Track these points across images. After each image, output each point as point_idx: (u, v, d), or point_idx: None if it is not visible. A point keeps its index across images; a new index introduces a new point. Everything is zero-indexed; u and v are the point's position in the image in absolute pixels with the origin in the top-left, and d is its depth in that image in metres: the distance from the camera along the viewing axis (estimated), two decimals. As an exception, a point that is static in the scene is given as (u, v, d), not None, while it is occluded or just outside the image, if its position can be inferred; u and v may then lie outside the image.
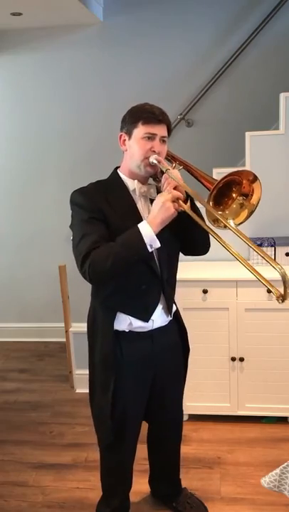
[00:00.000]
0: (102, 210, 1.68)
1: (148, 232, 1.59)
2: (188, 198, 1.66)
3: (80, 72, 3.71)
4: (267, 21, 3.33)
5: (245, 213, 1.64)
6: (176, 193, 1.60)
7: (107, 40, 3.61)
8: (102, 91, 3.69)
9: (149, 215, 1.63)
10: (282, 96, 2.90)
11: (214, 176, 2.97)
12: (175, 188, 1.63)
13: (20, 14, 3.32)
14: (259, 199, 1.62)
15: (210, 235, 1.64)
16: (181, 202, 1.60)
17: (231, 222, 1.63)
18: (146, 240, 1.59)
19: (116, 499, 2.05)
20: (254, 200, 1.63)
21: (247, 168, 2.97)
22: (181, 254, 1.90)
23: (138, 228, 1.60)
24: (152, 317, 1.80)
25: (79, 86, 3.74)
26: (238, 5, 3.43)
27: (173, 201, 1.60)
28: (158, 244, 1.62)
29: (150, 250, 1.62)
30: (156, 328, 1.83)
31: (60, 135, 3.85)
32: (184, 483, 2.27)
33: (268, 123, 3.27)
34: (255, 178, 1.61)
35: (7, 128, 3.91)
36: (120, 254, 1.59)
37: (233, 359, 2.75)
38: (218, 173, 2.97)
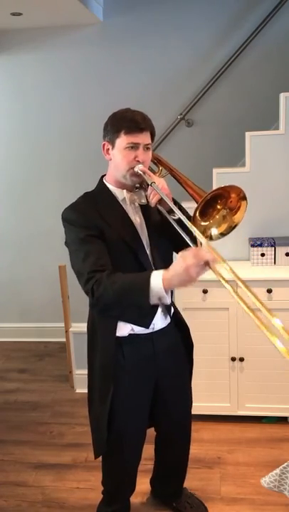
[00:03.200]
0: (97, 225, 1.66)
1: (158, 288, 1.48)
2: (175, 203, 1.64)
3: (80, 72, 3.71)
4: (267, 21, 3.33)
5: (225, 226, 1.62)
6: (206, 256, 1.41)
7: (107, 40, 3.61)
8: (102, 91, 3.68)
9: (167, 271, 1.49)
10: (282, 96, 2.90)
11: (214, 177, 2.98)
12: (160, 201, 1.62)
13: (20, 14, 3.32)
14: (240, 219, 1.61)
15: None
16: (213, 265, 1.43)
17: (215, 231, 1.63)
18: (153, 294, 1.48)
19: (117, 502, 2.05)
20: (236, 218, 1.61)
21: (247, 168, 2.97)
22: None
23: (149, 279, 1.49)
24: (153, 321, 1.79)
25: (79, 86, 3.74)
26: (238, 5, 3.42)
27: (200, 264, 1.42)
28: (167, 302, 1.56)
29: (155, 302, 1.51)
30: (156, 331, 1.83)
31: (60, 135, 3.85)
32: (184, 483, 2.27)
33: (268, 123, 3.27)
34: (244, 197, 1.59)
35: (7, 128, 3.91)
36: (122, 293, 1.53)
37: (233, 359, 2.75)
38: (218, 174, 2.97)
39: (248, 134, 2.97)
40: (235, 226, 1.62)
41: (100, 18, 3.55)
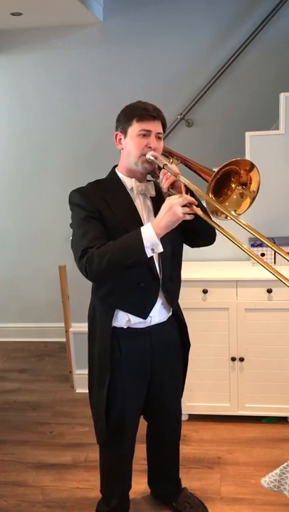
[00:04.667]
0: (99, 209, 1.69)
1: (150, 235, 1.57)
2: (187, 191, 1.64)
3: (80, 72, 3.71)
4: (267, 21, 3.33)
5: (247, 202, 1.62)
6: (188, 198, 1.55)
7: (107, 40, 3.62)
8: (102, 91, 3.69)
9: (156, 217, 1.60)
10: (282, 96, 2.90)
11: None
12: (174, 183, 1.63)
13: (20, 14, 3.32)
14: (259, 184, 1.60)
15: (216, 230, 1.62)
16: (194, 207, 1.54)
17: (233, 213, 1.63)
18: (147, 244, 1.56)
19: (115, 498, 2.05)
20: (253, 186, 1.61)
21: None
22: (185, 251, 1.90)
23: (140, 230, 1.59)
24: (150, 314, 1.81)
25: (79, 86, 3.74)
26: (238, 5, 3.43)
27: (184, 205, 1.54)
28: (160, 249, 1.59)
29: (150, 255, 1.59)
30: (154, 325, 1.84)
31: (60, 135, 3.85)
32: (184, 483, 2.28)
33: (268, 123, 3.27)
34: (252, 167, 1.59)
35: (7, 128, 3.91)
36: (116, 254, 1.58)
37: (233, 359, 2.75)
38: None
39: (248, 134, 2.97)
40: (257, 194, 1.62)
41: (100, 18, 3.55)
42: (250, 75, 3.50)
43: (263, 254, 2.90)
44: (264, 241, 1.48)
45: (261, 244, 2.91)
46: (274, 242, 2.89)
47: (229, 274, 2.72)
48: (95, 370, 1.88)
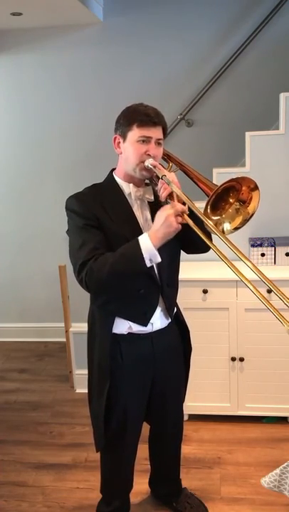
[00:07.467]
0: (96, 216, 1.66)
1: (148, 246, 1.55)
2: (184, 204, 1.62)
3: (80, 72, 3.71)
4: (267, 21, 3.33)
5: (239, 219, 1.61)
6: (181, 207, 1.53)
7: (107, 40, 3.61)
8: (102, 91, 3.69)
9: (151, 228, 1.59)
10: (282, 96, 2.90)
11: (214, 177, 2.98)
12: (171, 195, 1.61)
13: (20, 14, 3.32)
14: (255, 208, 1.59)
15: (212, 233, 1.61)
16: (185, 216, 1.53)
17: (228, 226, 1.61)
18: (146, 255, 1.55)
19: (116, 499, 2.05)
20: (250, 208, 1.59)
21: (247, 168, 2.97)
22: (182, 254, 1.90)
23: (138, 241, 1.57)
24: (151, 320, 1.79)
25: (79, 86, 3.74)
26: (238, 5, 3.42)
27: (176, 215, 1.53)
28: (158, 260, 1.58)
29: (149, 265, 1.58)
30: (156, 331, 1.83)
31: (60, 135, 3.85)
32: (184, 483, 2.28)
33: (268, 123, 3.27)
34: (256, 187, 1.58)
35: (7, 128, 3.91)
36: (117, 266, 1.56)
37: (233, 359, 2.75)
38: (219, 174, 2.97)
39: (248, 134, 2.97)
40: (251, 217, 1.60)
41: (100, 18, 3.55)
42: (250, 75, 3.50)
43: (263, 255, 2.91)
44: (243, 260, 1.50)
45: (261, 244, 2.91)
46: (274, 242, 2.91)
47: (229, 274, 2.69)
48: (95, 377, 1.86)
